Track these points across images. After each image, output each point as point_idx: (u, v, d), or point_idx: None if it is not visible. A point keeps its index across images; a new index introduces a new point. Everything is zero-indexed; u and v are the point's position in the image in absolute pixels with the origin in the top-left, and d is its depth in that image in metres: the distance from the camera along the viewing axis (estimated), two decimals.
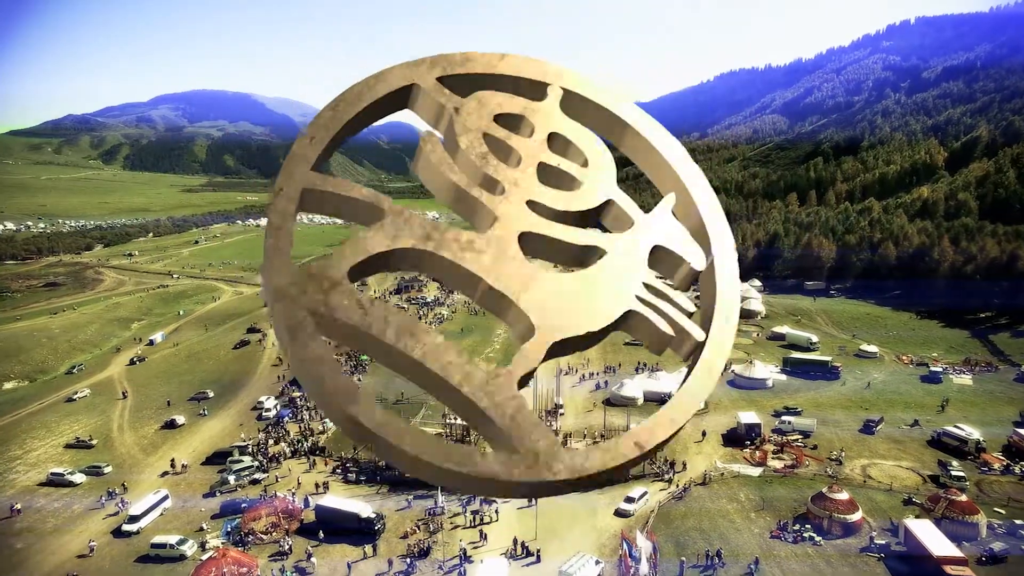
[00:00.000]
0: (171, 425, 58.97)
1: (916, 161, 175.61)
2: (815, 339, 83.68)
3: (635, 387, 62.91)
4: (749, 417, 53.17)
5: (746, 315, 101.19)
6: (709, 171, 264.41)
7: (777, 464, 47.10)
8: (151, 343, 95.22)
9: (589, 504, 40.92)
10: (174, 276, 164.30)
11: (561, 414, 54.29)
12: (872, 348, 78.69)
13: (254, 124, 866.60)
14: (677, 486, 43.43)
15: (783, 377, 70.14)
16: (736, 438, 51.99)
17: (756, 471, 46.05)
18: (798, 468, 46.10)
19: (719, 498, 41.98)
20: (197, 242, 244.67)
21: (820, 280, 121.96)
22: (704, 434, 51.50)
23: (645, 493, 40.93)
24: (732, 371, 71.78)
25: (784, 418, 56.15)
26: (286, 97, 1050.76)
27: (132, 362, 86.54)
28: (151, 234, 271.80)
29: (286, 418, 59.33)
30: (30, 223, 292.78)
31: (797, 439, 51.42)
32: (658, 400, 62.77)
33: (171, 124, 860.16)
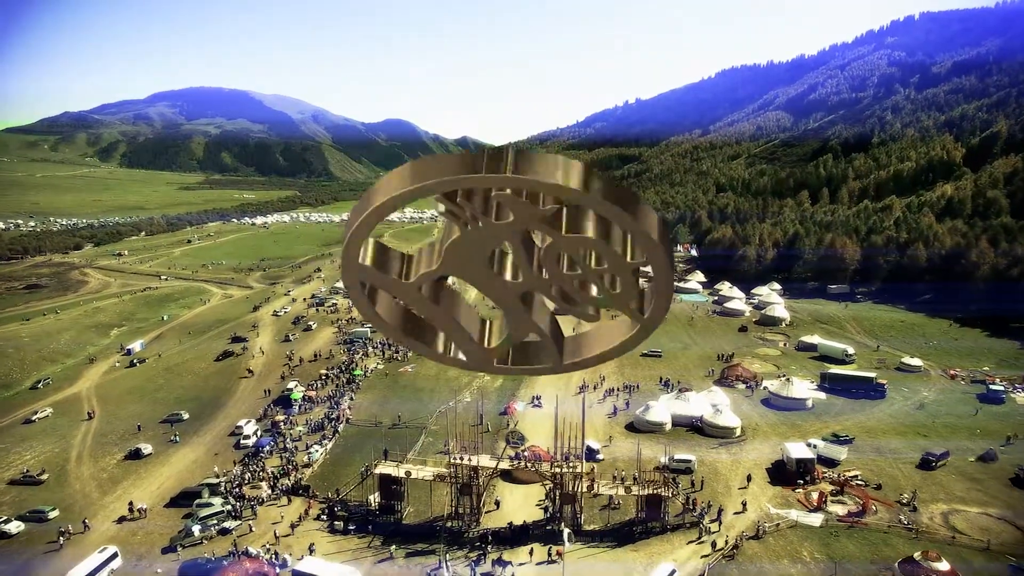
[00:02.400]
0: (136, 455, 51.71)
1: (932, 158, 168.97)
2: (851, 351, 76.50)
3: (662, 410, 55.71)
4: (799, 450, 45.96)
5: (770, 322, 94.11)
6: (714, 168, 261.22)
7: (839, 510, 39.95)
8: (128, 352, 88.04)
9: (626, 569, 33.86)
10: (162, 278, 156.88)
11: (600, 458, 47.23)
12: (916, 361, 71.58)
13: (252, 121, 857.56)
14: (727, 542, 36.24)
15: (822, 396, 62.94)
16: (785, 474, 44.90)
17: (816, 519, 38.94)
18: (866, 516, 38.96)
19: (779, 557, 34.89)
20: (190, 241, 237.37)
21: (844, 283, 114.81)
22: (749, 478, 43.95)
23: (674, 572, 33.28)
24: (766, 388, 64.81)
25: (812, 441, 49.33)
26: (284, 94, 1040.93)
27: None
28: (143, 233, 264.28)
29: (267, 447, 52.14)
30: (20, 221, 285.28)
31: (857, 475, 44.30)
32: (688, 425, 55.72)
33: (168, 121, 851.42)
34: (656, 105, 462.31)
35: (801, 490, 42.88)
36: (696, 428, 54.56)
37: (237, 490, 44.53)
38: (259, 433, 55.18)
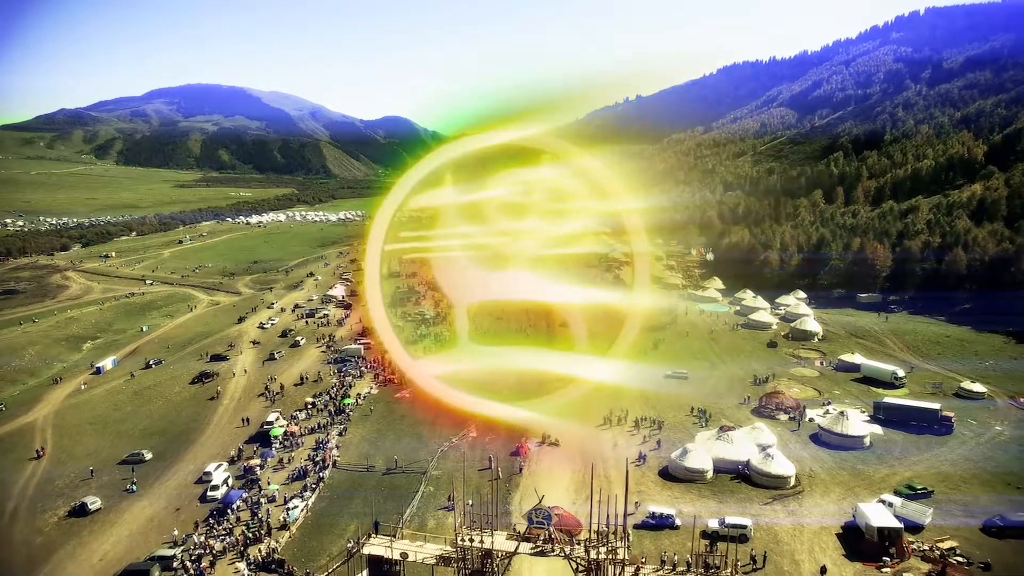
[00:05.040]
0: (81, 511, 43.58)
1: (952, 156, 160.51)
2: (901, 373, 68.33)
3: (701, 454, 47.49)
4: (879, 515, 37.59)
5: (801, 336, 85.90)
6: (720, 165, 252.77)
7: None
8: (98, 371, 79.88)
9: None
10: (147, 282, 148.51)
11: (677, 524, 39.56)
12: (978, 387, 63.34)
13: (249, 118, 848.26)
14: None
15: (879, 430, 54.83)
16: (862, 544, 36.72)
17: None
18: None
19: None
20: (181, 242, 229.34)
21: (874, 292, 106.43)
22: (824, 571, 34.65)
23: None
24: (814, 421, 56.66)
25: (886, 498, 41.13)
26: (282, 91, 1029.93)
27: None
28: (134, 232, 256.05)
29: (237, 502, 43.84)
30: (8, 220, 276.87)
31: (955, 548, 36.19)
32: (733, 471, 47.60)
33: (165, 118, 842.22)
34: (657, 102, 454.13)
35: (888, 569, 34.80)
36: (743, 476, 46.46)
37: (196, 565, 36.36)
38: (230, 482, 46.98)
